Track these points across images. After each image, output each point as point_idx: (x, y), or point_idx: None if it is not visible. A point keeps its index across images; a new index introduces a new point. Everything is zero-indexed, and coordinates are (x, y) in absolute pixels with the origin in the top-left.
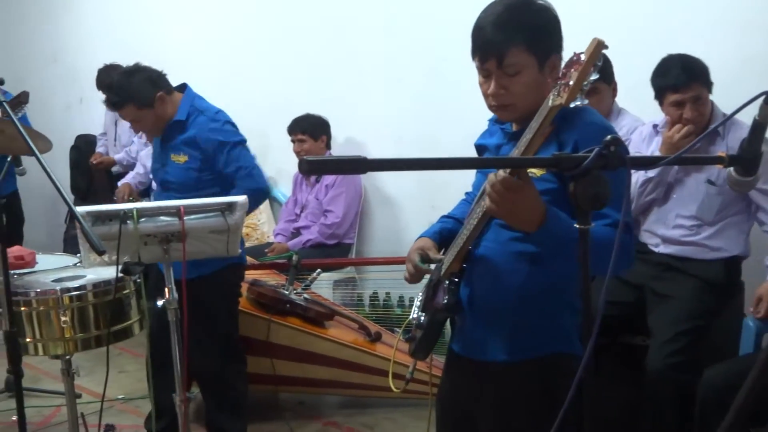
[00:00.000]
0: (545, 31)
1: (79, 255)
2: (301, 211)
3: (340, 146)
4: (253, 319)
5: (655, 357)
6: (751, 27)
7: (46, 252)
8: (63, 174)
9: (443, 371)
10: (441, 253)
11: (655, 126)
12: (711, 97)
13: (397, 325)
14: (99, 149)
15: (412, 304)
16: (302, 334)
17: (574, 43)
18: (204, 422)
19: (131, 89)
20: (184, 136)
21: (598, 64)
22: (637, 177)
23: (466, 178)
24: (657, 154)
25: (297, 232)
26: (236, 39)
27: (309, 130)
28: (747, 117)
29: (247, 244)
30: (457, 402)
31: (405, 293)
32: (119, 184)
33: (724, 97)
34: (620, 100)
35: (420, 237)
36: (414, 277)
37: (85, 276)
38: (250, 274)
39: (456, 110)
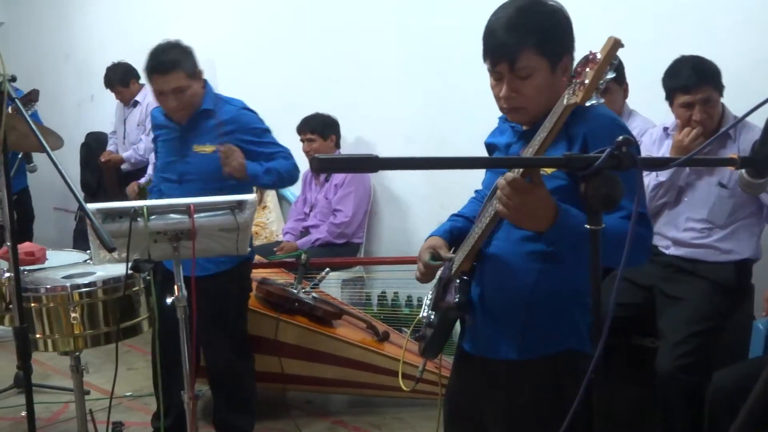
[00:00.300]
0: (557, 34)
1: (88, 252)
2: (310, 210)
3: (349, 146)
4: (261, 318)
5: (665, 358)
6: (765, 29)
7: (56, 248)
8: (73, 171)
9: (452, 370)
10: (451, 251)
11: (665, 129)
12: (723, 99)
13: (405, 325)
14: (109, 147)
15: (421, 304)
16: (310, 333)
17: (586, 43)
18: (211, 420)
19: (184, 56)
20: (214, 124)
21: (614, 63)
22: (648, 181)
23: (476, 177)
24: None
25: (306, 231)
26: (245, 39)
27: (318, 129)
28: (759, 120)
29: (256, 243)
30: (466, 401)
31: (413, 293)
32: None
33: (737, 99)
34: (632, 102)
35: (430, 236)
36: (425, 276)
37: (94, 273)
38: (258, 273)
39: (466, 110)
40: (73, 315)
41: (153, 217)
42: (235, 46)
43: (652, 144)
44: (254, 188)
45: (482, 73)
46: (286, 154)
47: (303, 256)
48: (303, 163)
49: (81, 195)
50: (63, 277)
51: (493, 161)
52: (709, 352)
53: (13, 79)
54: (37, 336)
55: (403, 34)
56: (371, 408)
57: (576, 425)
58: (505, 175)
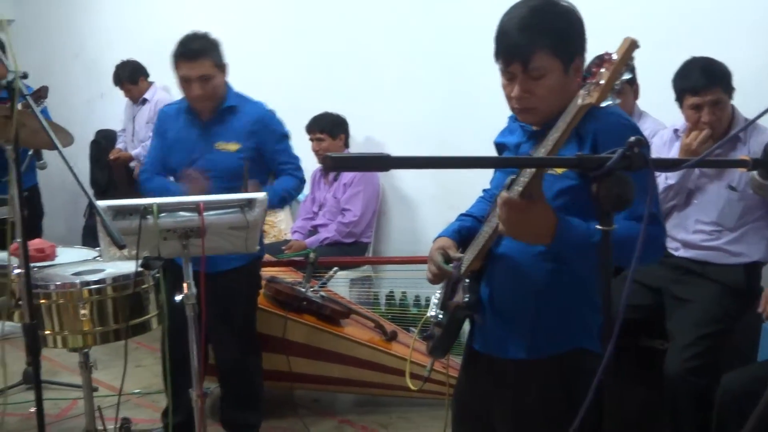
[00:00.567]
0: (570, 35)
1: (98, 249)
2: (319, 209)
3: (359, 146)
4: (269, 316)
5: (674, 360)
6: None
7: (65, 245)
8: (83, 168)
9: (460, 369)
10: (460, 251)
11: (675, 130)
12: (735, 101)
13: (412, 325)
14: (119, 145)
15: (428, 304)
16: (318, 331)
17: (598, 44)
18: (218, 417)
19: (212, 45)
20: (239, 122)
21: (630, 64)
22: (657, 184)
23: (485, 177)
24: None
25: (314, 230)
26: (254, 37)
27: (327, 128)
28: None
29: (265, 241)
30: (473, 400)
31: (421, 293)
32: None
33: (749, 101)
34: (643, 103)
35: (439, 236)
36: (437, 278)
37: (104, 270)
38: (267, 271)
39: (476, 109)
40: (82, 312)
41: (163, 214)
42: (244, 44)
43: (663, 145)
44: None
45: (492, 72)
46: (295, 167)
47: (311, 255)
48: (311, 162)
49: (91, 192)
50: (72, 274)
51: (505, 161)
52: (718, 355)
53: (25, 76)
54: (47, 332)
55: (414, 34)
56: (378, 407)
57: (585, 425)
58: (500, 194)
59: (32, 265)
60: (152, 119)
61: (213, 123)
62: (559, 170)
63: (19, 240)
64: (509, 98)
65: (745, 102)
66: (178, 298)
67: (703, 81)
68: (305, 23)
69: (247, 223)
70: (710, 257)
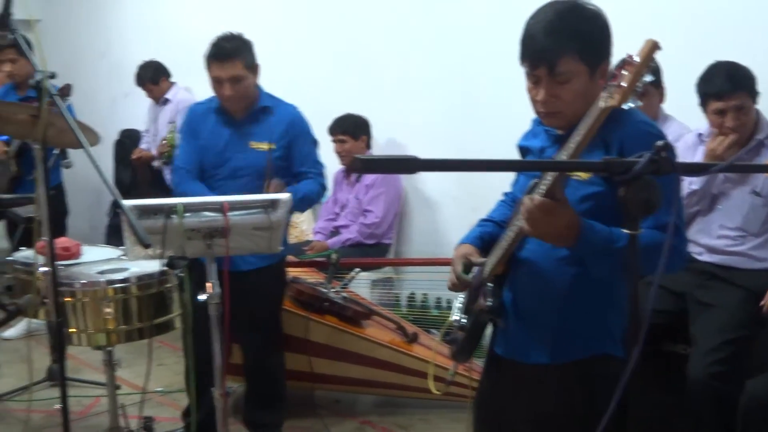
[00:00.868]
0: (597, 39)
1: (122, 247)
2: (341, 210)
3: (381, 147)
4: (291, 317)
5: (697, 366)
6: None
7: (89, 243)
8: (106, 168)
9: (482, 374)
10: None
11: (699, 135)
12: (759, 105)
13: (433, 326)
14: (142, 145)
15: (450, 306)
16: (340, 332)
17: (622, 46)
18: (241, 417)
19: (244, 47)
20: (273, 123)
21: (652, 66)
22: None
23: (507, 180)
24: None
25: (336, 231)
26: (276, 38)
27: (350, 130)
28: None
29: None
30: (495, 404)
31: (442, 295)
32: None
33: None
34: (668, 106)
35: (461, 243)
36: (457, 287)
37: (128, 268)
38: (289, 272)
39: (497, 111)
40: (107, 310)
41: (187, 214)
42: (266, 45)
43: (686, 150)
44: None
45: (514, 73)
46: (318, 173)
47: (333, 256)
48: (334, 164)
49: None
50: (97, 273)
51: (533, 164)
52: (742, 361)
53: (53, 76)
54: (72, 330)
55: (436, 35)
56: (399, 409)
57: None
58: (527, 196)
59: (58, 263)
60: (174, 119)
61: (246, 122)
62: (584, 175)
63: (45, 238)
64: (534, 102)
65: None
66: (201, 297)
67: (727, 86)
68: (328, 24)
69: (270, 224)
70: (735, 262)
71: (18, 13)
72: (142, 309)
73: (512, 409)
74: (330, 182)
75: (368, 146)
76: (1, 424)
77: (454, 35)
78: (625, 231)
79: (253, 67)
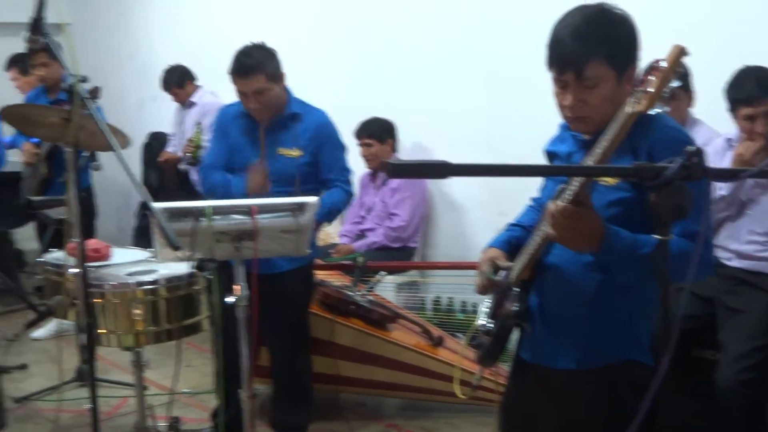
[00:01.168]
0: (625, 44)
1: (151, 249)
2: (367, 213)
3: (407, 151)
4: (317, 319)
5: (726, 372)
6: None
7: (117, 245)
8: (134, 170)
9: (509, 378)
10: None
11: (728, 140)
12: None
13: (459, 330)
14: (169, 149)
15: (475, 310)
16: (365, 335)
17: (651, 51)
18: (267, 418)
19: (265, 58)
20: (301, 129)
21: (679, 71)
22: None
23: (535, 184)
24: None
25: (362, 234)
26: (302, 43)
27: (376, 134)
28: None
29: None
30: (521, 409)
31: (468, 298)
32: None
33: None
34: (697, 110)
35: (488, 247)
36: (485, 289)
37: (157, 270)
38: (315, 274)
39: (524, 114)
40: (136, 312)
41: (216, 217)
42: (292, 49)
43: (715, 155)
44: None
45: (541, 77)
46: (345, 180)
47: (359, 259)
48: (360, 167)
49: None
50: (127, 274)
51: (562, 170)
52: None
53: (84, 79)
54: (101, 331)
55: (463, 39)
56: (424, 412)
57: None
58: (552, 201)
59: (88, 264)
60: (200, 121)
61: (275, 128)
62: (612, 180)
63: (76, 240)
64: (562, 107)
65: None
66: (229, 299)
67: (757, 91)
68: (353, 28)
69: (298, 227)
70: (764, 268)
71: (49, 17)
72: (171, 311)
73: (538, 414)
74: (356, 186)
75: (394, 150)
76: (31, 423)
77: (482, 38)
78: (655, 237)
79: (277, 77)
